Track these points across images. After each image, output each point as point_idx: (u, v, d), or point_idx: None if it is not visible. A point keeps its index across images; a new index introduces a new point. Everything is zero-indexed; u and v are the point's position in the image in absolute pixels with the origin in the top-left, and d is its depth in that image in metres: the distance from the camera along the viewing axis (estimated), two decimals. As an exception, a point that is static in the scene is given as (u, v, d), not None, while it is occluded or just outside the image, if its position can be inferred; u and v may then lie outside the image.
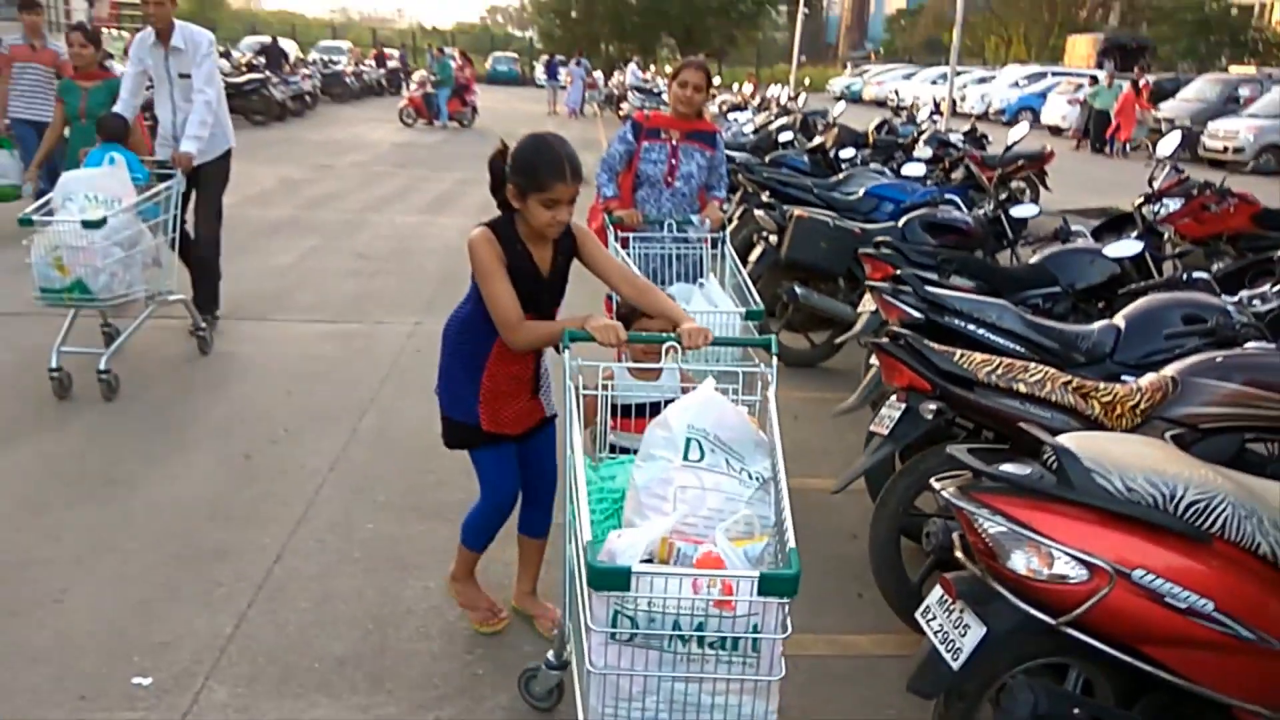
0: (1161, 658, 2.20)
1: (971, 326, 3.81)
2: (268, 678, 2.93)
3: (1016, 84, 30.63)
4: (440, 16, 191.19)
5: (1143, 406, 3.14)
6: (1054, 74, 28.20)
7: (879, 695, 2.97)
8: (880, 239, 5.24)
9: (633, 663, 1.91)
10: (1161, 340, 3.61)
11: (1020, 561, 2.20)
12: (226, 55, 25.57)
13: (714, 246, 4.59)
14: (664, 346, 2.54)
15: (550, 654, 2.79)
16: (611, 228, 4.48)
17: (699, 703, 1.94)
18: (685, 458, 2.20)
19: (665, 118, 4.59)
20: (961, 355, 3.22)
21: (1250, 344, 3.34)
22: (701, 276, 4.37)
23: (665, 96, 4.79)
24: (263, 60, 21.74)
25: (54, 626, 3.12)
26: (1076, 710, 2.19)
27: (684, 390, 2.67)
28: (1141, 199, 5.67)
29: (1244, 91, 22.45)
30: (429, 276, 7.88)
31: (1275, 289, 3.94)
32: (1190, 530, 2.17)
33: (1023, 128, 7.77)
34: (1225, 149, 19.33)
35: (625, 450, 2.70)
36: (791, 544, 1.96)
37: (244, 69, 21.05)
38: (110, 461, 4.29)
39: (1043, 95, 27.35)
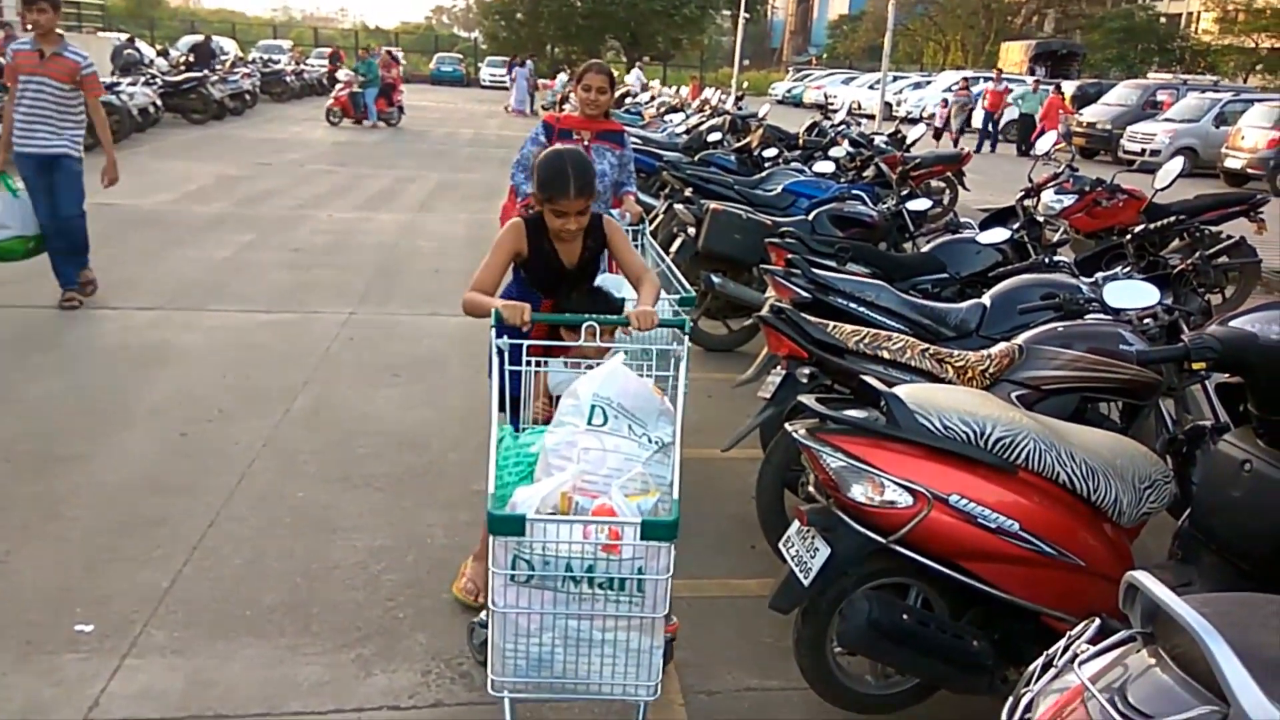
0: (978, 571, 2.58)
1: (853, 305, 4.20)
2: (202, 624, 3.20)
3: (950, 89, 31.54)
4: (384, 16, 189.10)
5: (991, 370, 3.55)
6: (984, 79, 29.08)
7: (759, 628, 3.32)
8: (784, 229, 5.62)
9: (530, 602, 2.12)
10: (1020, 315, 4.03)
11: (858, 491, 2.56)
12: (164, 54, 25.47)
13: (634, 239, 4.91)
14: (584, 327, 2.73)
15: (483, 614, 2.92)
16: None
17: (590, 638, 2.15)
18: (589, 422, 2.40)
19: (576, 119, 4.84)
20: (834, 327, 3.60)
21: (1090, 316, 3.76)
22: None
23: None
24: (192, 58, 21.72)
25: (-1, 583, 3.35)
26: (906, 617, 2.56)
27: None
28: (1022, 193, 6.15)
29: (1162, 96, 23.47)
30: (364, 269, 8.11)
31: (1125, 270, 4.38)
32: (997, 461, 2.56)
33: (919, 128, 8.26)
34: (1143, 150, 20.21)
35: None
36: (675, 496, 2.20)
37: (181, 67, 21.01)
38: (53, 441, 4.49)
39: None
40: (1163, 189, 5.31)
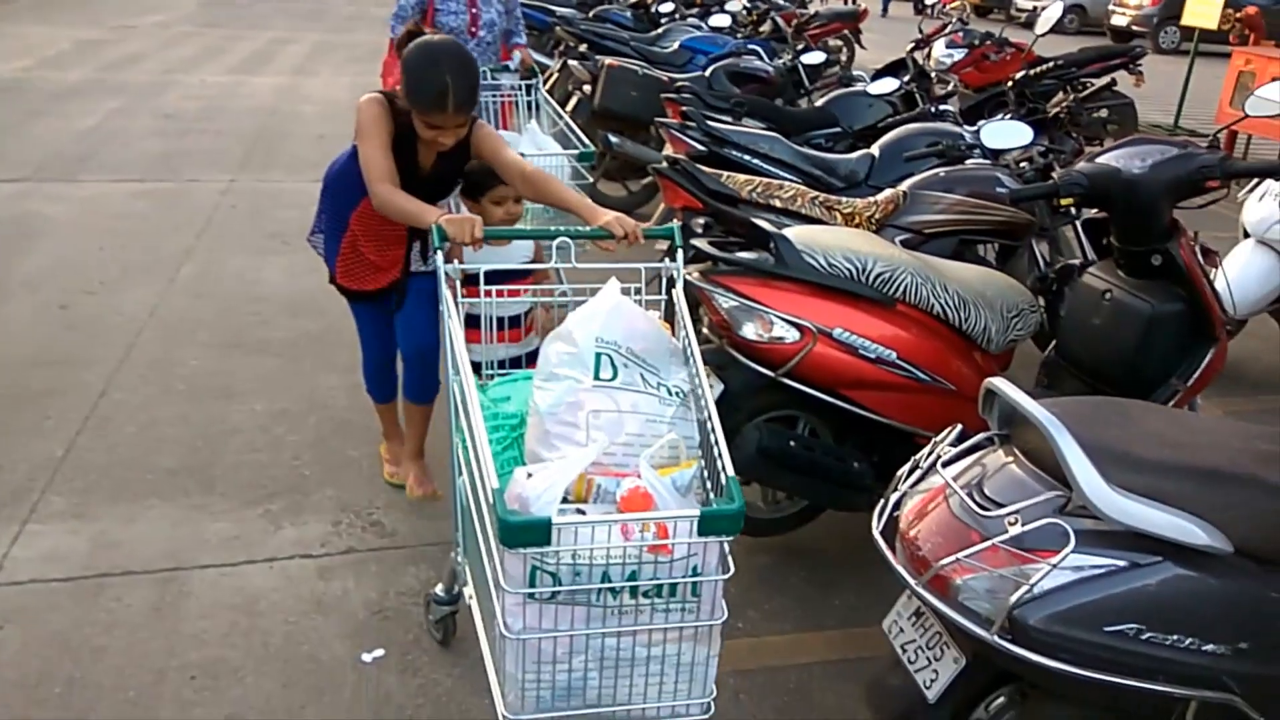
0: (859, 399, 2.74)
1: (747, 157, 4.23)
2: (102, 489, 3.17)
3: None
4: None
5: (877, 216, 3.67)
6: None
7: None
8: (681, 85, 5.56)
9: (555, 622, 1.66)
10: (906, 164, 4.13)
11: (748, 329, 2.66)
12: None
13: (527, 94, 4.79)
14: (555, 243, 2.19)
15: (439, 588, 2.52)
16: None
17: (633, 656, 1.73)
18: (596, 377, 1.89)
19: None
20: (727, 177, 3.65)
21: (971, 162, 3.89)
22: (525, 122, 4.54)
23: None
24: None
25: (-122, 461, 3.24)
26: (793, 443, 2.72)
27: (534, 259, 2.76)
28: (912, 44, 6.19)
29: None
30: (243, 135, 7.73)
31: (1008, 117, 4.51)
32: (877, 295, 2.69)
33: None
34: (1034, 9, 20.33)
35: (503, 365, 2.43)
36: (730, 471, 1.76)
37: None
38: (-84, 318, 4.27)
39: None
40: (1042, 35, 5.42)
